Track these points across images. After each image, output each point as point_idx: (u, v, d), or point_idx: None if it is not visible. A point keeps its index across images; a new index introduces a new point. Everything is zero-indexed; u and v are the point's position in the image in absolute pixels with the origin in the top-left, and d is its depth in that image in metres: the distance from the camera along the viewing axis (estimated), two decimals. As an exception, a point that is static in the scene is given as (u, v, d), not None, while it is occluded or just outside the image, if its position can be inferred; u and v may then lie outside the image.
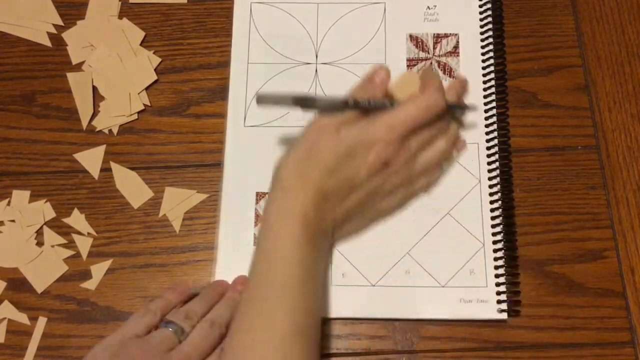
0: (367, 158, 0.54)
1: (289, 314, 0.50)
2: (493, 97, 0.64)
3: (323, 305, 0.59)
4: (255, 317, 0.51)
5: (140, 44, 0.67)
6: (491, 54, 0.66)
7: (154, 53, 0.67)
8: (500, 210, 0.61)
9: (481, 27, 0.67)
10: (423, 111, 0.55)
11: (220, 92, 0.66)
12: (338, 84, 0.64)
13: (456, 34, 0.67)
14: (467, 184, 0.62)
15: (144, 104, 0.66)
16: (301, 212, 0.53)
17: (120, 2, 0.69)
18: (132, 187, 0.64)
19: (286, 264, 0.52)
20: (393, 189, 0.58)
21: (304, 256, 0.53)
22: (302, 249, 0.52)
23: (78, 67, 0.67)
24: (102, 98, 0.66)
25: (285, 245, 0.52)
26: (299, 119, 0.64)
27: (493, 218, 0.61)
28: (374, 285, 0.60)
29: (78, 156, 0.64)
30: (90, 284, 0.61)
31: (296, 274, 0.52)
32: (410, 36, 0.67)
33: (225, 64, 0.67)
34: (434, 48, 0.67)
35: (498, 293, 0.59)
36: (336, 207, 0.55)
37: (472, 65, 0.66)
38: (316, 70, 0.66)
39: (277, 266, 0.52)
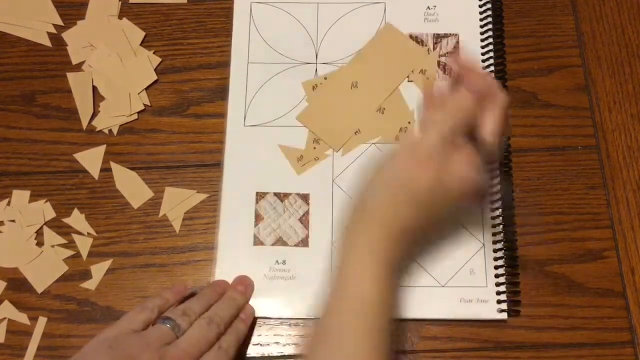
0: (463, 196, 0.51)
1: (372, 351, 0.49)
2: (493, 97, 0.64)
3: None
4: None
5: (140, 44, 0.68)
6: (491, 54, 0.66)
7: (154, 53, 0.67)
8: (500, 210, 0.61)
9: (481, 27, 0.67)
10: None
11: (220, 92, 0.66)
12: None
13: (456, 34, 0.67)
14: (467, 184, 0.62)
15: (144, 104, 0.66)
16: (386, 251, 0.50)
17: (120, 2, 0.69)
18: (132, 187, 0.64)
19: (365, 304, 0.49)
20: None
21: (384, 296, 0.50)
22: (383, 292, 0.50)
23: (78, 67, 0.67)
24: (102, 98, 0.66)
25: (364, 286, 0.49)
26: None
27: (493, 218, 0.61)
28: (374, 285, 0.60)
29: (78, 156, 0.64)
30: (90, 284, 0.61)
31: (376, 313, 0.49)
32: (411, 36, 0.67)
33: (225, 64, 0.67)
34: (434, 48, 0.67)
35: (498, 293, 0.60)
36: (421, 242, 0.55)
37: (472, 65, 0.66)
38: (316, 70, 0.66)
39: (355, 305, 0.49)
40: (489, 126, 0.51)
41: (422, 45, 0.67)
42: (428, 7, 0.68)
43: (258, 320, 0.60)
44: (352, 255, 0.51)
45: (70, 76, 0.66)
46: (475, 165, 0.51)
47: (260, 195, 0.63)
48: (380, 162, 0.53)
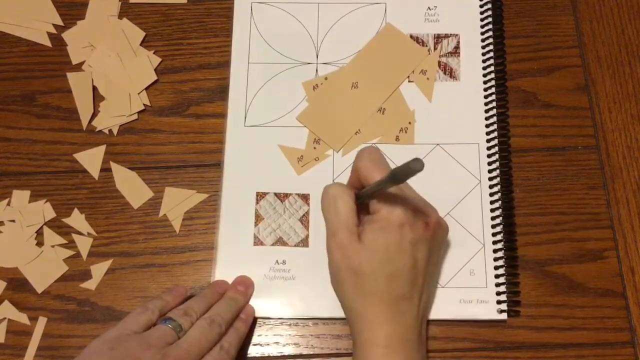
0: (408, 238, 0.53)
1: None
2: (493, 97, 0.64)
3: None
4: None
5: (140, 44, 0.67)
6: (491, 54, 0.66)
7: (154, 53, 0.67)
8: (500, 210, 0.61)
9: (482, 27, 0.67)
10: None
11: (220, 92, 0.66)
12: (338, 84, 0.64)
13: (457, 35, 0.67)
14: (467, 185, 0.62)
15: (144, 104, 0.66)
16: (381, 340, 0.52)
17: (120, 2, 0.69)
18: (132, 187, 0.64)
19: None
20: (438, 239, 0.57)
21: None
22: None
23: (78, 67, 0.67)
24: (102, 98, 0.66)
25: None
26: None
27: (493, 218, 0.61)
28: (374, 286, 0.60)
29: (78, 156, 0.64)
30: (90, 284, 0.61)
31: None
32: (411, 36, 0.67)
33: (226, 64, 0.67)
34: (435, 48, 0.67)
35: (498, 293, 0.60)
36: (416, 299, 0.54)
37: (473, 66, 0.66)
38: (317, 70, 0.66)
39: None
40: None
41: (423, 45, 0.67)
42: (429, 8, 0.68)
43: (258, 320, 0.60)
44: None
45: (70, 76, 0.66)
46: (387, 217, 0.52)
47: (260, 196, 0.63)
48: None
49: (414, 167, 0.44)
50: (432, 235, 0.54)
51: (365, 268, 0.52)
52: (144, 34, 0.68)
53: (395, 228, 0.52)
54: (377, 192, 0.53)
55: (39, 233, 0.62)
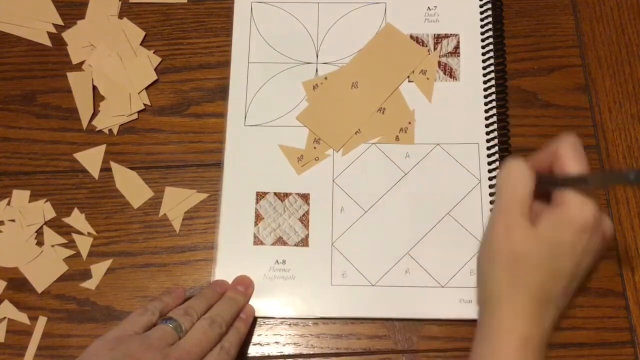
0: (583, 244, 0.49)
1: None
2: (493, 97, 0.64)
3: None
4: None
5: (141, 44, 0.67)
6: (491, 54, 0.66)
7: (154, 53, 0.67)
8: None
9: (481, 27, 0.67)
10: None
11: (221, 91, 0.66)
12: (338, 84, 0.64)
13: (456, 35, 0.67)
14: (467, 184, 0.62)
15: (144, 104, 0.66)
16: (521, 336, 0.48)
17: (120, 2, 0.69)
18: (132, 187, 0.64)
19: None
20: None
21: None
22: None
23: (78, 67, 0.67)
24: (102, 98, 0.66)
25: None
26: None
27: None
28: (374, 285, 0.60)
29: (78, 156, 0.64)
30: (90, 284, 0.61)
31: None
32: (411, 37, 0.67)
33: (226, 64, 0.67)
34: (435, 48, 0.67)
35: (498, 293, 0.60)
36: (559, 306, 0.51)
37: (473, 65, 0.66)
38: (317, 70, 0.66)
39: None
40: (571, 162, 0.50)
41: (423, 45, 0.67)
42: (428, 8, 0.68)
43: (258, 320, 0.60)
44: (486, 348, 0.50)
45: (70, 76, 0.66)
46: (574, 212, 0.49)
47: (260, 195, 0.63)
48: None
49: None
50: (601, 249, 0.51)
51: (530, 257, 0.49)
52: (144, 33, 0.68)
53: (578, 229, 0.48)
54: (572, 185, 0.49)
55: (39, 233, 0.62)
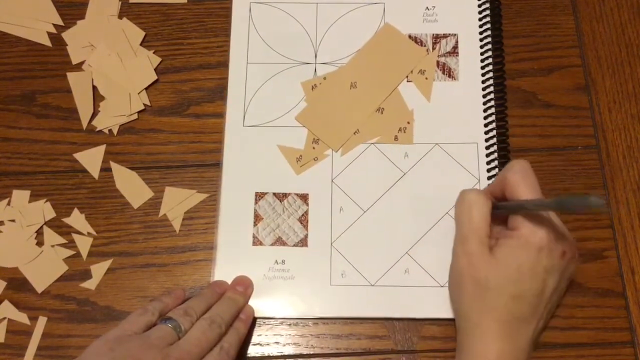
0: (543, 264, 0.51)
1: None
2: (492, 96, 0.64)
3: None
4: None
5: (140, 44, 0.68)
6: (490, 53, 0.66)
7: (154, 53, 0.67)
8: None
9: (480, 27, 0.67)
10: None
11: (221, 92, 0.66)
12: (338, 84, 0.64)
13: (455, 34, 0.67)
14: (466, 184, 0.62)
15: (144, 104, 0.66)
16: (494, 356, 0.51)
17: (120, 2, 0.69)
18: (132, 187, 0.64)
19: None
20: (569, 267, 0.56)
21: None
22: None
23: (78, 67, 0.67)
24: (102, 98, 0.66)
25: None
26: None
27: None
28: (373, 285, 0.60)
29: (78, 156, 0.64)
30: (90, 284, 0.61)
31: None
32: (410, 36, 0.67)
33: (226, 64, 0.67)
34: (433, 48, 0.67)
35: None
36: (534, 324, 0.53)
37: (471, 65, 0.66)
38: (315, 70, 0.66)
39: None
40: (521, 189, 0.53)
41: (421, 45, 0.67)
42: (427, 8, 0.68)
43: (258, 320, 0.60)
44: None
45: (70, 76, 0.66)
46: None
47: (259, 196, 0.63)
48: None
49: (593, 204, 0.40)
50: (566, 266, 0.53)
51: (492, 283, 0.51)
52: (144, 33, 0.68)
53: (534, 250, 0.51)
54: (524, 210, 0.51)
55: (39, 233, 0.63)
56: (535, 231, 0.51)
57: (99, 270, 0.61)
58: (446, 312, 0.59)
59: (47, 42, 0.68)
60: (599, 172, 0.63)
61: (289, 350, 0.59)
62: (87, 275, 0.62)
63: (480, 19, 0.67)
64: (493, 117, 0.64)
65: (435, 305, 0.60)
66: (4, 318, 0.60)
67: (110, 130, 0.65)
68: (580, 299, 0.60)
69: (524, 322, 0.52)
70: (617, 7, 0.68)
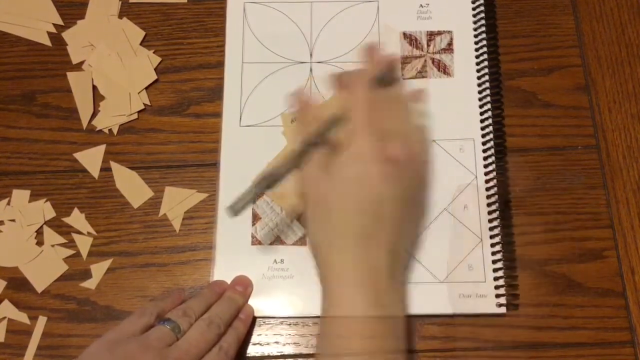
0: (375, 172, 0.51)
1: None
2: (487, 92, 0.64)
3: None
4: None
5: (140, 44, 0.68)
6: (485, 49, 0.66)
7: (154, 53, 0.67)
8: (497, 204, 0.61)
9: (474, 23, 0.67)
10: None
11: (220, 91, 0.66)
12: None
13: (450, 31, 0.67)
14: (464, 180, 0.62)
15: (144, 104, 0.66)
16: (352, 269, 0.51)
17: (120, 2, 0.69)
18: (132, 186, 0.64)
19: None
20: (416, 175, 0.56)
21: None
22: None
23: (78, 67, 0.67)
24: (102, 98, 0.66)
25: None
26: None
27: (490, 212, 0.61)
28: (372, 284, 0.60)
29: (78, 156, 0.64)
30: (90, 284, 0.61)
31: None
32: (404, 34, 0.67)
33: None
34: (428, 45, 0.67)
35: (496, 287, 0.59)
36: (383, 241, 0.52)
37: (466, 62, 0.66)
38: (311, 69, 0.66)
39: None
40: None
41: (416, 43, 0.67)
42: (421, 5, 0.68)
43: (257, 320, 0.60)
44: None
45: (70, 76, 0.66)
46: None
47: (258, 196, 0.63)
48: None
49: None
50: (403, 171, 0.52)
51: (331, 199, 0.51)
52: (144, 33, 0.68)
53: (363, 162, 0.51)
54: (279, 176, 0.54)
55: (39, 232, 0.63)
56: (362, 144, 0.51)
57: (99, 270, 0.62)
58: (446, 307, 0.59)
59: (47, 42, 0.68)
60: (599, 172, 0.63)
61: (289, 350, 0.59)
62: (87, 275, 0.62)
63: (474, 15, 0.67)
64: (489, 113, 0.64)
65: (435, 300, 0.59)
66: (4, 318, 0.60)
67: (110, 130, 0.65)
68: (580, 299, 0.60)
69: (369, 238, 0.51)
70: (617, 7, 0.68)
